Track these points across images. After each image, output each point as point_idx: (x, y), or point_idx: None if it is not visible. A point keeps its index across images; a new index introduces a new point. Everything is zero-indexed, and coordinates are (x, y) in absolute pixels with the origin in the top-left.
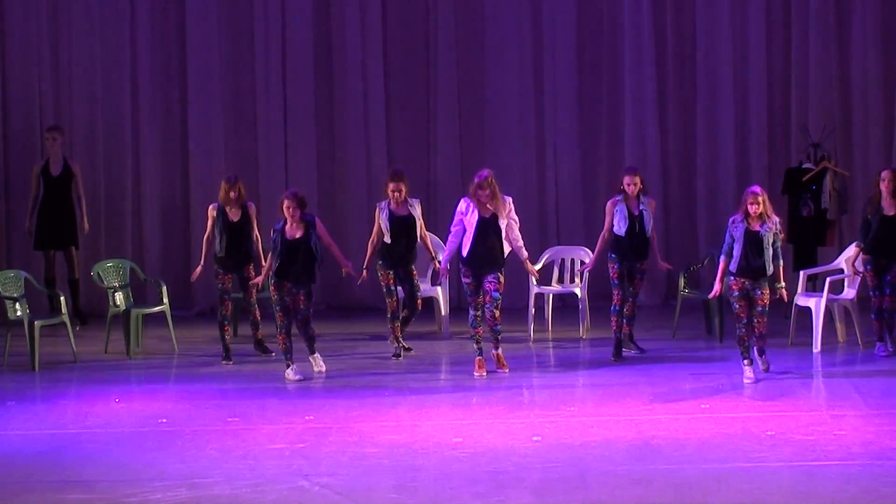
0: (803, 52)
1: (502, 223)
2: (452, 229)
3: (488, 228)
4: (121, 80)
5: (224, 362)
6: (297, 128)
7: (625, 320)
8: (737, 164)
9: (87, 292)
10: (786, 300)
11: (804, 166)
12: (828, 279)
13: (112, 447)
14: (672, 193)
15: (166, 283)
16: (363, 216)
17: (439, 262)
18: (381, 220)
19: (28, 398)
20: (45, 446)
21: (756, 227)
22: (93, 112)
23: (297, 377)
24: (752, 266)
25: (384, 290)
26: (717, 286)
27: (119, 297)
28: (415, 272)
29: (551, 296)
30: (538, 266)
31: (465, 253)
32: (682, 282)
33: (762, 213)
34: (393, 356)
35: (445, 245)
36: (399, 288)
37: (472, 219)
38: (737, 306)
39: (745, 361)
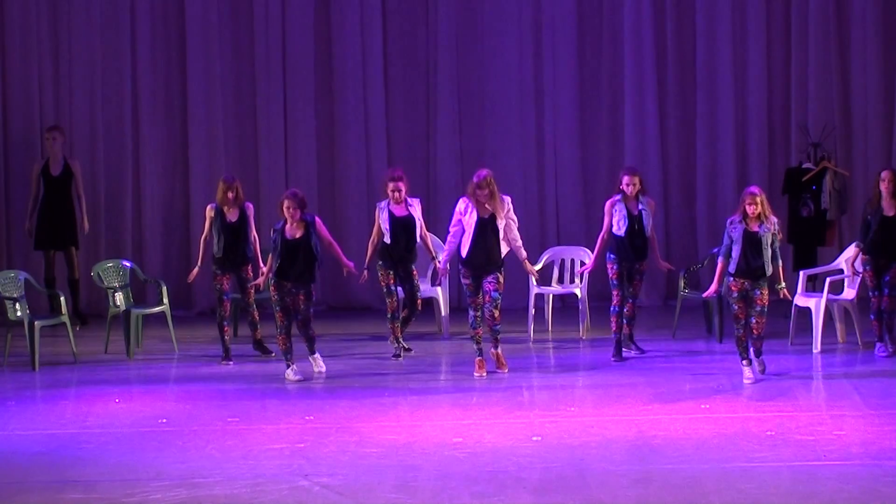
0: (803, 52)
1: (500, 223)
2: (451, 229)
3: (487, 229)
4: (121, 81)
5: (224, 362)
6: (298, 128)
7: (625, 321)
8: (737, 164)
9: (87, 292)
10: (790, 298)
11: (804, 166)
12: (827, 279)
13: (112, 447)
14: (672, 193)
15: (166, 283)
16: (363, 216)
17: (439, 262)
18: (381, 220)
19: (28, 398)
20: (44, 446)
21: (754, 227)
22: (93, 112)
23: (297, 377)
24: (751, 267)
25: (384, 290)
26: (713, 286)
27: (119, 297)
28: (415, 272)
29: (551, 296)
30: (538, 266)
31: (464, 254)
32: (682, 282)
33: (760, 213)
34: (393, 356)
35: (445, 245)
36: (399, 288)
37: (470, 219)
38: (735, 307)
39: (744, 362)
